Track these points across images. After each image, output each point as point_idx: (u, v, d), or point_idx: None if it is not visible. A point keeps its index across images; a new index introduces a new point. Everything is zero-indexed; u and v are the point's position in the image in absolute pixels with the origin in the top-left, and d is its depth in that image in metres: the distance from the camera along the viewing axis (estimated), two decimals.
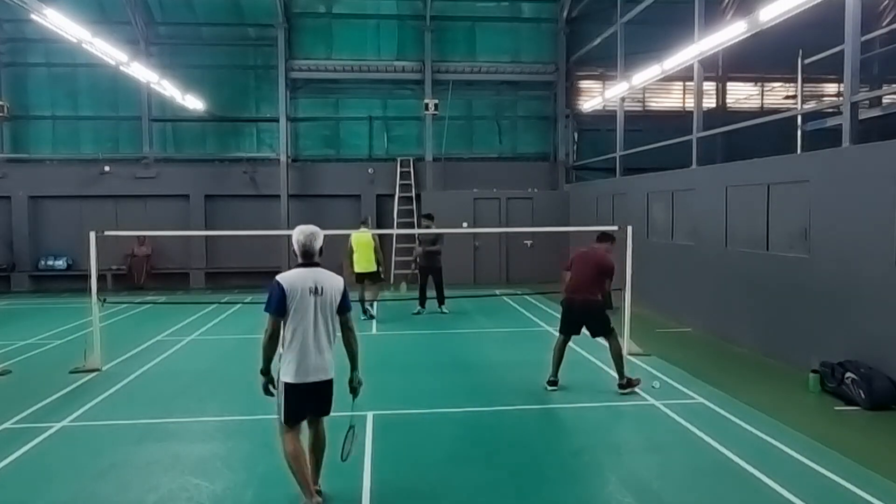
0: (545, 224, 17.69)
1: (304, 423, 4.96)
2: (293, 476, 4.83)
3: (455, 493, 5.22)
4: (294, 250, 4.97)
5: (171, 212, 18.78)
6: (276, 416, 4.91)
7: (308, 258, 4.85)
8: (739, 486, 5.26)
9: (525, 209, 18.85)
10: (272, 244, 18.40)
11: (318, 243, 4.90)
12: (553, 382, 7.89)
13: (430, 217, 13.93)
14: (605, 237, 8.42)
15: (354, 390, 5.04)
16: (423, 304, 13.47)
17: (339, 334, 4.90)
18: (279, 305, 4.64)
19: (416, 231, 14.79)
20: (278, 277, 4.74)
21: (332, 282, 4.82)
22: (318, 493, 4.93)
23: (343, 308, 4.88)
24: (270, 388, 4.79)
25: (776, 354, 9.39)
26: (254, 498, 5.14)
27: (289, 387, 4.72)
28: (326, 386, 4.84)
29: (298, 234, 4.90)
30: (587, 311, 7.96)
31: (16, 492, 5.26)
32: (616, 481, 5.35)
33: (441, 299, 13.45)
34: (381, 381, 8.51)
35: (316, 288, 4.71)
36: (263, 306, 4.74)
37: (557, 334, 8.20)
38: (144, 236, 17.86)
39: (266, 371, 4.75)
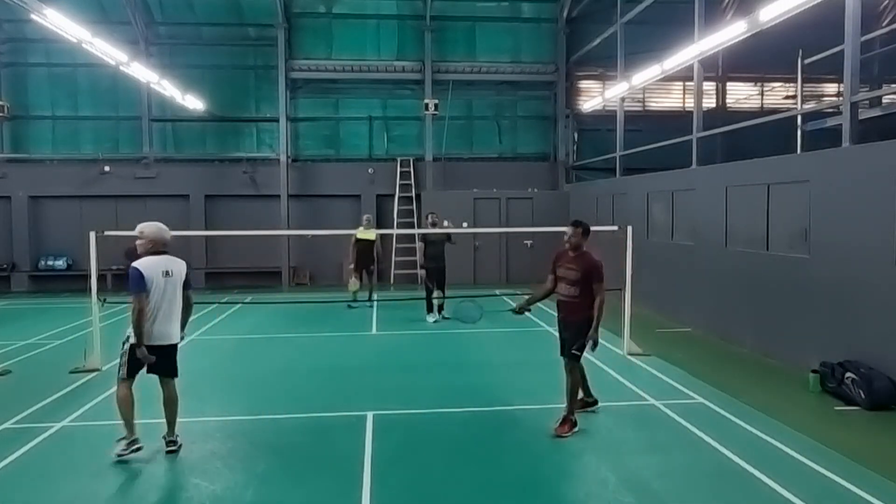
0: (545, 224, 17.63)
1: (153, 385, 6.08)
2: (120, 416, 5.89)
3: (455, 493, 5.22)
4: (144, 241, 5.91)
5: (171, 212, 18.72)
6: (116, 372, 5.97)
7: (162, 246, 5.94)
8: (739, 486, 5.26)
9: (525, 209, 18.85)
10: (272, 244, 18.43)
11: (168, 236, 6.00)
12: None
13: (434, 213, 13.66)
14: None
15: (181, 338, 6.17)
16: (435, 309, 12.80)
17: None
18: (140, 285, 5.70)
19: (419, 231, 14.25)
20: (135, 264, 5.77)
21: (179, 266, 6.00)
22: (173, 443, 6.03)
23: (186, 285, 6.05)
24: (138, 351, 5.73)
25: (776, 354, 9.39)
26: (254, 498, 5.14)
27: (149, 348, 5.76)
28: (172, 349, 5.98)
29: (153, 228, 5.93)
30: None
31: (16, 492, 5.26)
32: (616, 481, 5.35)
33: (441, 304, 12.85)
34: (381, 381, 8.54)
35: (168, 271, 5.86)
36: (131, 289, 5.73)
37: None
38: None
39: (142, 343, 5.70)
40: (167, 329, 5.89)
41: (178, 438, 6.10)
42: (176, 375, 6.10)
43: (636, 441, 6.31)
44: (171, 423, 6.07)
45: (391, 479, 5.43)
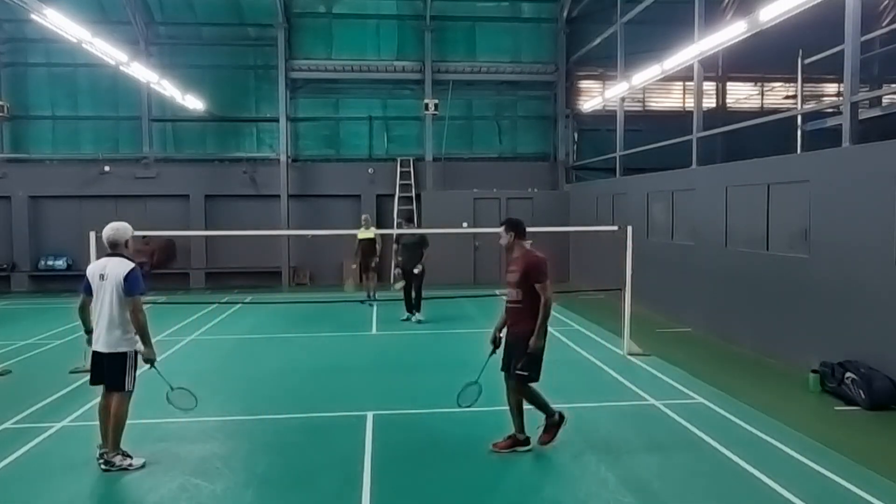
0: (545, 224, 17.63)
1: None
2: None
3: (455, 493, 5.22)
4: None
5: (171, 212, 18.79)
6: None
7: (111, 248, 5.73)
8: (739, 487, 5.26)
9: (525, 209, 18.80)
10: (272, 244, 18.43)
11: (121, 237, 5.74)
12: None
13: (410, 219, 13.63)
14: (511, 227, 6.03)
15: (148, 362, 5.80)
16: (410, 310, 12.71)
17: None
18: (85, 286, 5.70)
19: (396, 231, 13.72)
20: (88, 267, 5.83)
21: (117, 269, 5.58)
22: (104, 460, 5.55)
23: (127, 291, 5.55)
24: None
25: (776, 354, 9.39)
26: (254, 498, 5.14)
27: (92, 353, 5.73)
28: (109, 358, 5.58)
29: (106, 229, 5.79)
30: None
31: (16, 492, 5.25)
32: (616, 481, 5.35)
33: (418, 306, 12.62)
34: (381, 381, 8.54)
35: (102, 274, 5.61)
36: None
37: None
38: (145, 236, 17.83)
39: (87, 331, 5.79)
40: (101, 334, 5.58)
41: (117, 460, 5.52)
42: (116, 388, 5.56)
43: (636, 441, 6.30)
44: (104, 435, 5.58)
45: (391, 479, 5.43)
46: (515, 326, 5.92)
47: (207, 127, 19.41)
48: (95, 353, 5.65)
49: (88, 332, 5.77)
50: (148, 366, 5.79)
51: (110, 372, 5.59)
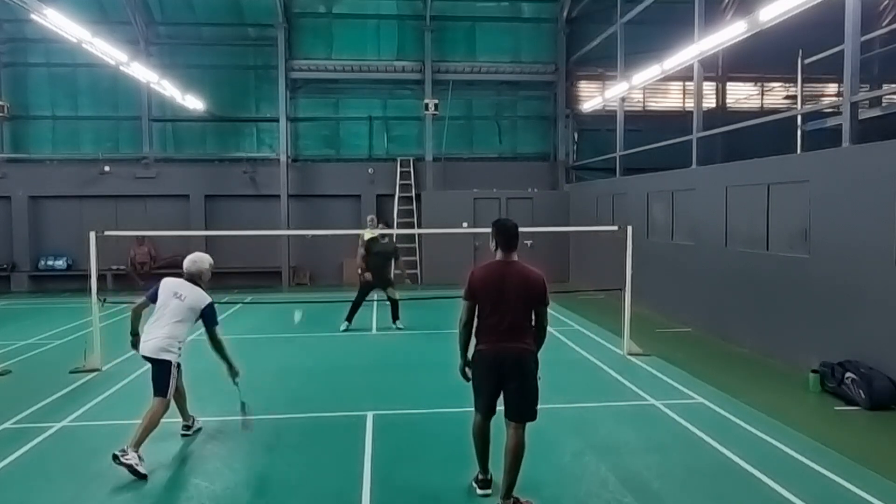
0: (545, 224, 17.68)
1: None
2: None
3: (455, 493, 5.22)
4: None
5: (171, 212, 18.79)
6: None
7: (188, 277, 6.21)
8: (739, 487, 5.26)
9: (525, 209, 18.84)
10: (272, 244, 18.43)
11: (199, 269, 6.24)
12: (485, 482, 5.20)
13: (387, 224, 13.15)
14: (511, 240, 5.10)
15: (232, 378, 6.42)
16: (350, 320, 11.97)
17: (180, 333, 6.12)
18: (152, 294, 6.16)
19: (362, 231, 12.49)
20: (164, 279, 6.22)
21: (196, 298, 6.09)
22: (123, 452, 5.46)
23: (207, 323, 6.16)
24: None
25: (776, 354, 9.39)
26: (254, 498, 5.14)
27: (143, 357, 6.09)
28: (155, 363, 5.94)
29: (186, 260, 6.29)
30: (520, 368, 5.01)
31: (16, 492, 5.26)
32: (616, 481, 5.35)
33: (396, 314, 12.09)
34: (380, 381, 8.54)
35: (178, 294, 6.08)
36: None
37: (474, 413, 5.31)
38: (144, 237, 17.84)
39: (133, 333, 6.23)
40: (148, 339, 5.97)
41: (132, 456, 5.41)
42: (158, 393, 5.87)
43: (636, 441, 6.30)
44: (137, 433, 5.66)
45: (391, 479, 5.43)
46: None
47: (207, 127, 19.40)
48: (144, 358, 6.02)
49: (134, 334, 6.19)
50: (231, 380, 6.37)
51: (156, 376, 5.94)
